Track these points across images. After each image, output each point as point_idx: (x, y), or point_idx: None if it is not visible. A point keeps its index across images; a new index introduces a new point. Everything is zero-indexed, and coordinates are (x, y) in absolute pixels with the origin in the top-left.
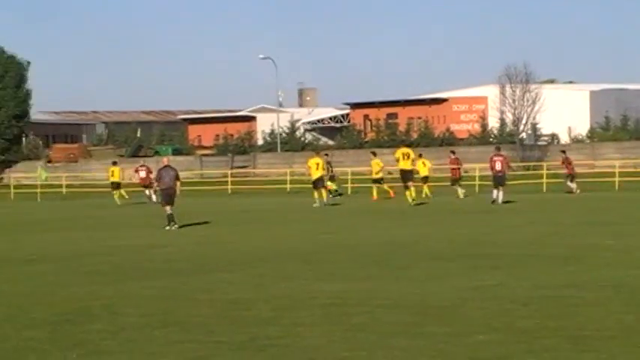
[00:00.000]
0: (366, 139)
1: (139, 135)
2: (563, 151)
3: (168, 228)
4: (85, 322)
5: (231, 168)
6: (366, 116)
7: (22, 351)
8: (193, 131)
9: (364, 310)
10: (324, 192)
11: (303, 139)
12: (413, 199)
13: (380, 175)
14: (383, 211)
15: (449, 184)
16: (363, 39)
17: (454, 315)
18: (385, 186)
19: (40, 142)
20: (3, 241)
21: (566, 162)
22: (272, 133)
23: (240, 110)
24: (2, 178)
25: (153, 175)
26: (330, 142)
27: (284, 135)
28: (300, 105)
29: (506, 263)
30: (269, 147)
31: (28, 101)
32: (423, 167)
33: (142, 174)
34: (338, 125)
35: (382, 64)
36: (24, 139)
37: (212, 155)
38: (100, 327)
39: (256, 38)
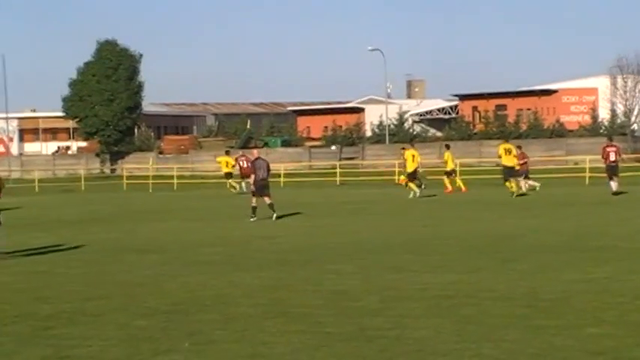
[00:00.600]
0: (475, 131)
1: (248, 127)
2: None
3: (253, 220)
4: (197, 312)
5: (340, 159)
6: (474, 108)
7: (135, 340)
8: (302, 123)
9: (473, 302)
10: (414, 184)
11: (411, 130)
12: (514, 192)
13: (452, 167)
14: (486, 203)
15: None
16: (471, 30)
17: (564, 308)
18: (458, 179)
19: (152, 134)
20: (116, 231)
21: None
22: (380, 124)
23: (348, 102)
24: (115, 169)
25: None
26: (439, 134)
27: (392, 126)
28: (409, 96)
29: (616, 256)
30: (377, 138)
31: (140, 93)
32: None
33: (243, 164)
34: (446, 117)
35: (491, 55)
36: (136, 130)
37: (320, 147)
38: (211, 317)
39: (365, 30)
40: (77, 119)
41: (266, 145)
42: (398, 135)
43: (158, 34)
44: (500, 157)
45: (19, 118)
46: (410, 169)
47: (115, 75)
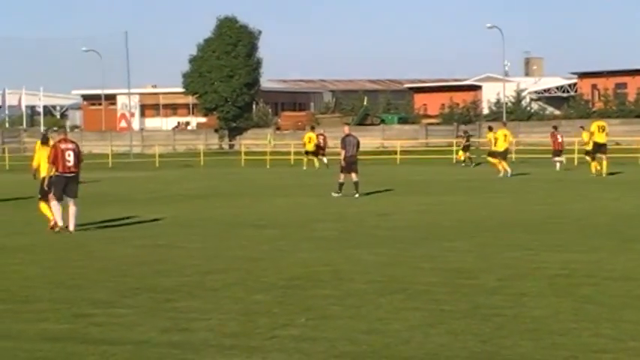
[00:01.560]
0: (594, 110)
1: (365, 103)
2: None
3: (336, 195)
4: (313, 288)
5: (457, 137)
6: (593, 86)
7: (252, 314)
8: (419, 100)
9: (591, 281)
10: (505, 163)
11: (529, 108)
12: (598, 172)
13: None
14: (605, 182)
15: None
16: (592, 6)
17: None
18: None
19: (269, 110)
20: (234, 206)
21: None
22: (497, 102)
23: (465, 79)
24: (233, 145)
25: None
26: (557, 112)
27: (509, 104)
28: (526, 74)
29: None
30: (494, 116)
31: (259, 70)
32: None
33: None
34: (565, 95)
35: (612, 32)
36: (254, 106)
37: (437, 124)
38: (327, 292)
39: (483, 7)
40: (197, 95)
41: (383, 122)
42: (515, 113)
43: (276, 11)
44: (592, 133)
45: (141, 94)
46: (501, 148)
47: (234, 51)
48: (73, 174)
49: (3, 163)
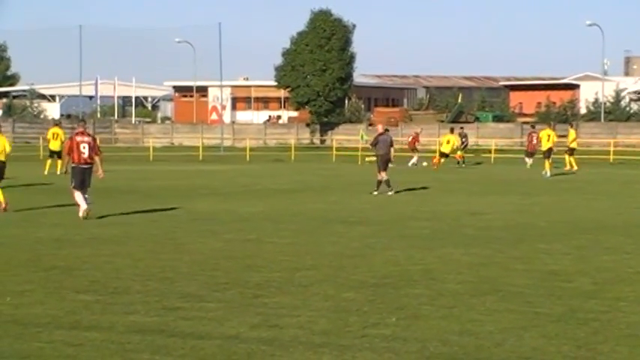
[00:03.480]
0: None
1: (460, 100)
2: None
3: (376, 193)
4: (405, 287)
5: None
6: None
7: (342, 312)
8: (515, 98)
9: None
10: (548, 163)
11: (628, 109)
12: None
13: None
14: None
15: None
16: None
17: None
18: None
19: (362, 105)
20: (324, 201)
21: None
22: (596, 102)
23: (563, 78)
24: (325, 140)
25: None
26: None
27: (608, 104)
28: (626, 74)
29: None
30: (592, 116)
31: (352, 64)
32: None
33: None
34: None
35: None
36: (346, 101)
37: (533, 123)
38: (419, 292)
39: (584, 4)
40: (289, 89)
41: (477, 119)
42: (614, 113)
43: (371, 5)
44: None
45: (233, 87)
46: (544, 147)
47: (327, 45)
48: (88, 165)
49: None
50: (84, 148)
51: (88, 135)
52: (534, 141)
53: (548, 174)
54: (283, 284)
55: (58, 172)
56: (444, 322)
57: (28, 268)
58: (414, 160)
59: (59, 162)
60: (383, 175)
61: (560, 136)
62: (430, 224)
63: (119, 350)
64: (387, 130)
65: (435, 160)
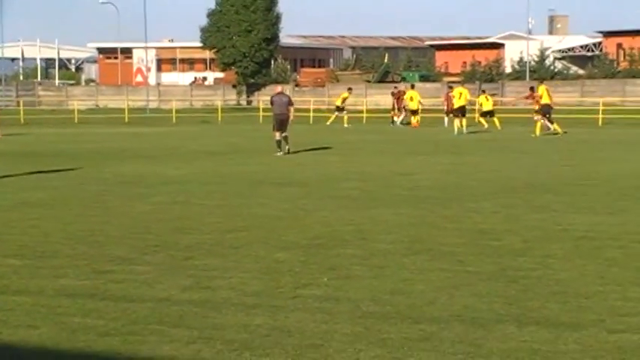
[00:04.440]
0: (619, 69)
1: (386, 61)
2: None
3: (279, 154)
4: (336, 247)
5: (477, 96)
6: (619, 45)
7: (274, 273)
8: (440, 58)
9: (618, 244)
10: (463, 121)
11: (552, 67)
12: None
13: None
14: (630, 143)
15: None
16: None
17: None
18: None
19: (288, 66)
20: (254, 163)
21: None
22: (521, 61)
23: (488, 37)
24: (251, 101)
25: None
26: (581, 72)
27: (533, 63)
28: (550, 32)
29: None
30: (517, 75)
31: (278, 25)
32: (486, 102)
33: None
34: (589, 54)
35: None
36: (273, 62)
37: (459, 82)
38: (350, 252)
39: None
40: (214, 50)
41: (404, 79)
42: (538, 72)
43: None
44: (541, 96)
45: (158, 48)
46: (456, 105)
47: (253, 6)
48: None
49: (18, 117)
50: None
51: None
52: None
53: (464, 132)
54: (214, 246)
55: None
56: (376, 282)
57: None
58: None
59: None
60: (276, 135)
61: (492, 95)
62: (360, 185)
63: (50, 314)
64: (283, 91)
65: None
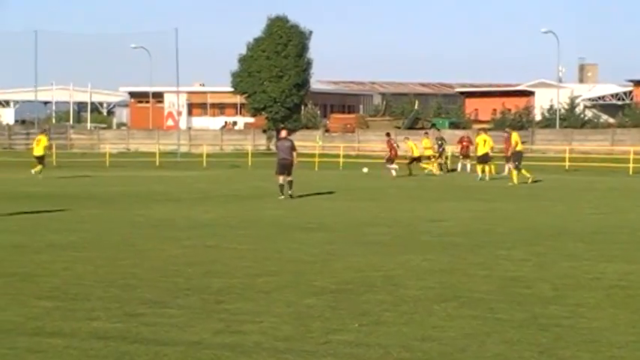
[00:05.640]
0: None
1: (416, 107)
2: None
3: (281, 198)
4: (366, 293)
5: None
6: None
7: (304, 318)
8: (470, 105)
9: None
10: (487, 168)
11: (582, 115)
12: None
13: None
14: None
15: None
16: None
17: None
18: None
19: (318, 112)
20: (283, 208)
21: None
22: (551, 108)
23: (518, 85)
24: None
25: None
26: (611, 120)
27: (563, 111)
28: (581, 81)
29: None
30: (547, 123)
31: (309, 70)
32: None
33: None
34: (620, 103)
35: None
36: (303, 108)
37: (489, 130)
38: (380, 298)
39: (539, 11)
40: (245, 95)
41: (434, 126)
42: (568, 120)
43: (328, 11)
44: (517, 143)
45: (189, 93)
46: (480, 153)
47: (284, 51)
48: None
49: (50, 160)
50: None
51: None
52: (396, 146)
53: (487, 177)
54: (244, 290)
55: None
56: (406, 328)
57: None
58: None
59: (39, 166)
60: (280, 179)
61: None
62: (389, 230)
63: (82, 357)
64: (288, 135)
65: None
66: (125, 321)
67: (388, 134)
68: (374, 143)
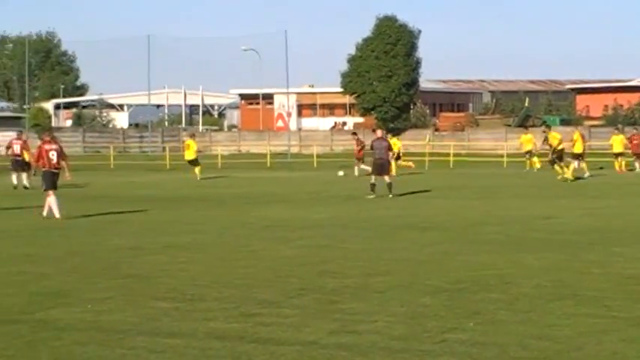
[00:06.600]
0: None
1: (526, 104)
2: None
3: (371, 197)
4: (480, 292)
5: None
6: None
7: (419, 317)
8: (581, 101)
9: None
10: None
11: None
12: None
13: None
14: None
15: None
16: None
17: None
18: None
19: (428, 111)
20: (395, 207)
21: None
22: None
23: (630, 80)
24: None
25: None
26: None
27: None
28: None
29: None
30: None
31: (418, 70)
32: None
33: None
34: None
35: None
36: (412, 107)
37: (601, 126)
38: (494, 296)
39: None
40: (355, 95)
41: (544, 123)
42: None
43: (436, 10)
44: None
45: (298, 94)
46: (576, 150)
47: (393, 51)
48: (57, 170)
49: (163, 163)
50: (52, 155)
51: (55, 143)
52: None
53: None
54: (359, 290)
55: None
56: (522, 327)
57: (106, 276)
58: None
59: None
60: (386, 179)
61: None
62: (501, 229)
63: (201, 356)
64: (385, 135)
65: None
66: (241, 321)
67: (355, 133)
68: (484, 142)
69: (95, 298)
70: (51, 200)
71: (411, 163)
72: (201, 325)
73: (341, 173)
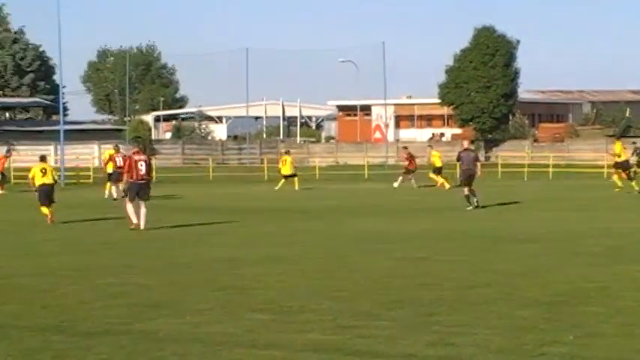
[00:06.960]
0: None
1: (627, 115)
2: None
3: (470, 208)
4: (580, 304)
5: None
6: None
7: (518, 330)
8: None
9: None
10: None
11: None
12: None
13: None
14: None
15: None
16: None
17: None
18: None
19: (526, 121)
20: (492, 219)
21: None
22: None
23: None
24: (489, 157)
25: None
26: None
27: None
28: None
29: None
30: None
31: (517, 80)
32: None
33: None
34: None
35: None
36: (511, 118)
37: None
38: (595, 309)
39: None
40: (453, 106)
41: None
42: None
43: (535, 20)
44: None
45: (396, 105)
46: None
47: (491, 62)
48: (144, 181)
49: (262, 174)
50: (141, 165)
51: (144, 154)
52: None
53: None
54: (456, 302)
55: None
56: (624, 341)
57: (205, 288)
58: None
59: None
60: (465, 190)
61: None
62: (602, 241)
63: None
64: (471, 146)
65: None
66: (339, 333)
67: (405, 147)
68: (585, 153)
69: (194, 309)
70: (129, 209)
71: (447, 185)
72: (299, 337)
73: (396, 185)
